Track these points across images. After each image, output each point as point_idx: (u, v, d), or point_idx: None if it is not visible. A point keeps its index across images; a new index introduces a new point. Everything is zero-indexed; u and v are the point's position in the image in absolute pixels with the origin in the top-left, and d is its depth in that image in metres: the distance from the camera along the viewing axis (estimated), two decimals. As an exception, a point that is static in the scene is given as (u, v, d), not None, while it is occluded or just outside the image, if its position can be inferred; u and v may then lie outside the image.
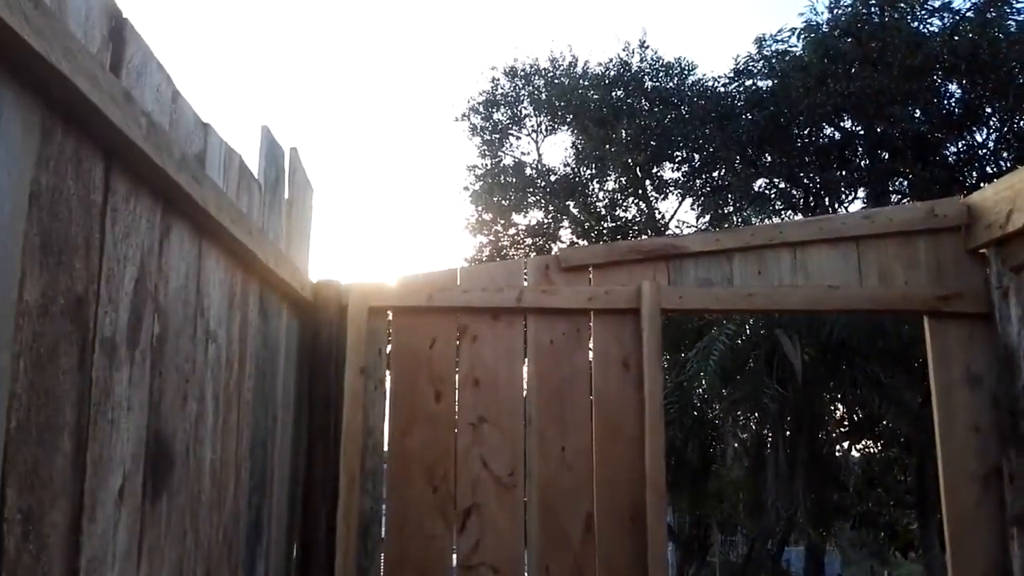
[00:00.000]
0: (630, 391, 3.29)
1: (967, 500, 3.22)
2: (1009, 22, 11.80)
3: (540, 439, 3.27)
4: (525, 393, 3.33)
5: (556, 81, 15.98)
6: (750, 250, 3.49)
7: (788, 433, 10.25)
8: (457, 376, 3.30)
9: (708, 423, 11.16)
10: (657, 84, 15.21)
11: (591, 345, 3.40)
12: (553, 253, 4.63)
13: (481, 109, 16.53)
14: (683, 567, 14.63)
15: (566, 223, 16.40)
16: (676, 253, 3.54)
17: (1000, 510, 3.15)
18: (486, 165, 16.58)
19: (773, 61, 13.61)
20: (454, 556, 3.18)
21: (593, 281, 3.46)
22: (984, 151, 12.01)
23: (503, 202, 16.00)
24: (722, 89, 14.32)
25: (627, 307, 3.37)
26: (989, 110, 11.92)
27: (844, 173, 13.08)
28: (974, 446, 3.25)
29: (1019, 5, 11.63)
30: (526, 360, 3.37)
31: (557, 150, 23.98)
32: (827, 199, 13.21)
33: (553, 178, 16.08)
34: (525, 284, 3.42)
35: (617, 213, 16.01)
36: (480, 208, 16.19)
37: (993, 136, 12.06)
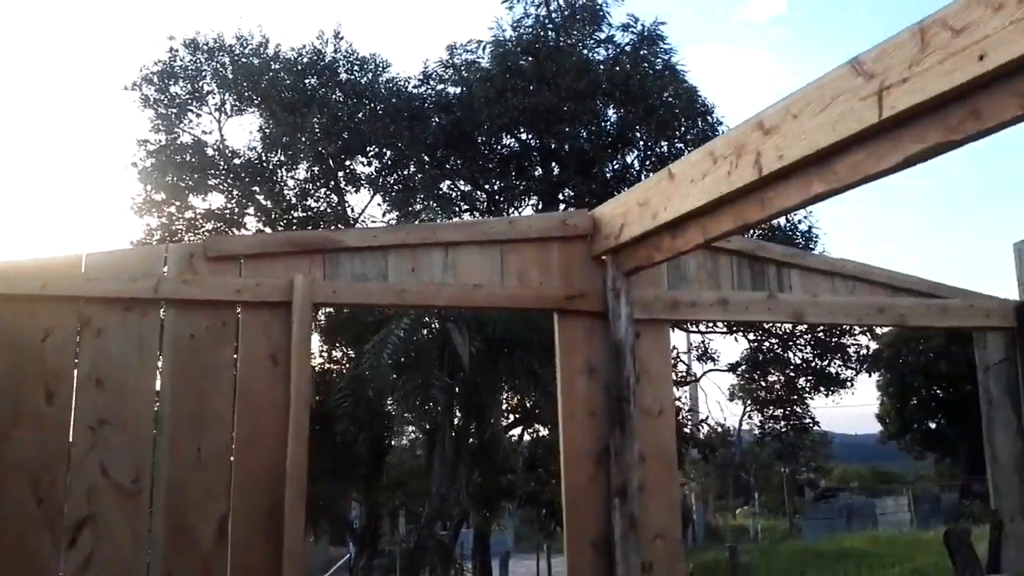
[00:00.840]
0: (277, 387, 3.25)
1: (582, 475, 3.64)
2: (658, 60, 13.56)
3: (172, 441, 3.09)
4: (159, 391, 3.13)
5: (243, 60, 15.18)
6: (406, 248, 3.62)
7: (458, 422, 10.85)
8: (76, 373, 3.00)
9: (383, 415, 11.37)
10: (352, 77, 15.12)
11: (239, 340, 3.29)
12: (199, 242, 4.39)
13: (156, 80, 15.13)
14: (356, 560, 14.76)
15: (252, 210, 15.66)
16: (333, 247, 3.56)
17: (608, 485, 3.61)
18: (160, 141, 15.23)
19: (462, 69, 14.24)
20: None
21: (244, 273, 3.35)
22: (632, 171, 13.69)
23: (179, 182, 14.83)
24: (413, 90, 14.66)
25: (279, 300, 3.32)
26: (638, 135, 13.59)
27: (520, 181, 14.09)
28: (590, 428, 3.69)
29: (667, 46, 13.39)
30: (160, 356, 3.16)
31: (243, 132, 22.76)
32: (505, 204, 14.12)
33: (238, 161, 15.26)
34: (165, 273, 3.21)
35: (308, 203, 15.64)
36: (150, 187, 14.83)
37: (639, 157, 13.78)
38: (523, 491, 14.21)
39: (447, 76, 14.54)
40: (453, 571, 11.93)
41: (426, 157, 13.88)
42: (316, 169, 15.56)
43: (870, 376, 23.13)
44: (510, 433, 14.73)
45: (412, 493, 15.22)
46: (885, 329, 18.08)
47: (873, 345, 18.45)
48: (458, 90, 14.22)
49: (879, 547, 16.71)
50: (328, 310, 12.42)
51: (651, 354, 3.83)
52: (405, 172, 14.86)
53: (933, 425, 31.13)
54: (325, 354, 14.17)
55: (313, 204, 15.77)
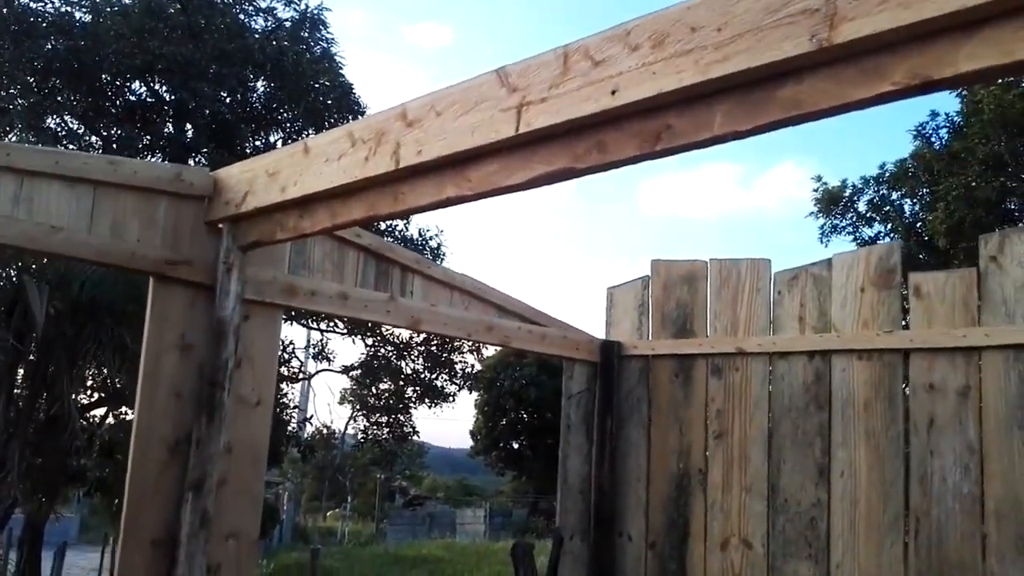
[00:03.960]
0: None
1: (153, 463, 3.20)
2: (317, 46, 13.23)
3: None
4: None
5: None
6: (-36, 167, 2.88)
7: (22, 392, 9.22)
8: None
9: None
10: (-54, -35, 12.36)
11: None
12: None
13: None
14: None
15: None
16: None
17: (183, 477, 3.22)
18: None
19: (94, -5, 12.45)
20: None
21: None
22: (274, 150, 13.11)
23: None
24: (29, 2, 12.43)
25: None
26: (285, 115, 13.07)
27: (145, 134, 12.66)
28: (173, 411, 3.26)
29: (329, 34, 13.11)
30: None
31: None
32: (124, 156, 12.58)
33: None
34: None
35: None
36: None
37: (284, 140, 13.27)
38: (94, 477, 12.64)
39: (75, -1, 12.62)
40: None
41: (32, 81, 11.81)
42: None
43: (471, 393, 24.95)
44: (92, 413, 13.05)
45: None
46: (491, 351, 19.62)
47: (478, 365, 19.92)
48: (88, 17, 12.39)
49: (454, 554, 17.91)
50: None
51: (258, 339, 3.53)
52: (2, 93, 12.50)
53: (516, 445, 34.51)
54: None
55: None
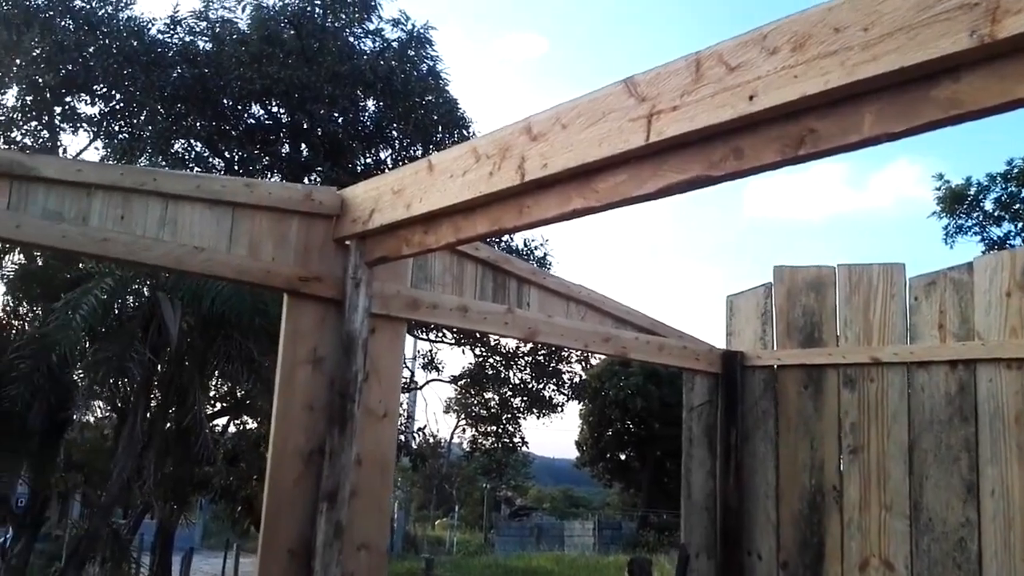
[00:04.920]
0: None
1: (289, 474, 3.31)
2: (423, 63, 13.54)
3: None
4: None
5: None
6: (117, 191, 3.08)
7: (154, 403, 9.78)
8: None
9: (66, 384, 9.96)
10: (86, 5, 13.33)
11: None
12: None
13: None
14: (13, 543, 12.81)
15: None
16: (24, 174, 2.93)
17: (317, 487, 3.31)
18: None
19: (216, 25, 13.14)
20: None
21: None
22: (385, 167, 13.49)
23: None
24: (157, 34, 13.25)
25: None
26: (395, 132, 13.43)
27: (264, 155, 13.27)
28: (306, 423, 3.37)
29: (434, 52, 13.42)
30: None
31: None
32: (244, 176, 13.22)
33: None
34: None
35: (12, 135, 13.45)
36: None
37: (393, 156, 13.63)
38: (219, 484, 13.26)
39: (198, 28, 13.35)
40: (126, 564, 10.72)
41: (161, 109, 12.56)
42: (29, 99, 13.48)
43: (579, 403, 24.81)
44: (215, 422, 13.71)
45: (93, 476, 13.56)
46: (595, 360, 19.49)
47: (583, 375, 19.83)
48: (209, 46, 13.09)
49: (563, 567, 17.82)
50: (20, 259, 10.77)
51: (384, 352, 3.61)
52: (135, 120, 13.34)
53: (623, 456, 34.10)
54: (10, 309, 12.22)
55: (19, 137, 13.63)
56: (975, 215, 18.77)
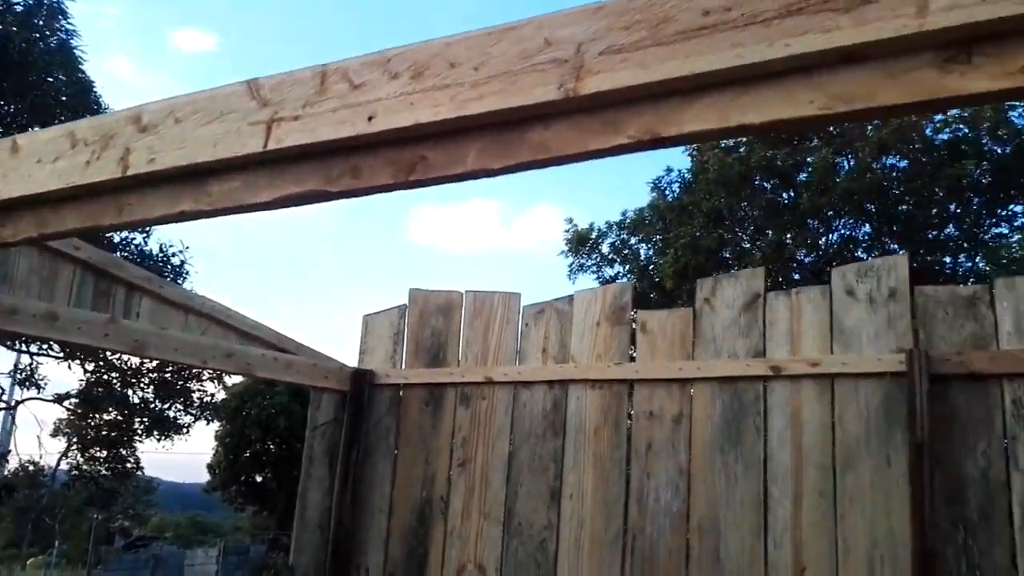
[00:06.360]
0: None
1: None
2: (54, 37, 11.87)
3: None
4: None
5: None
6: None
7: None
8: None
9: None
10: None
11: None
12: None
13: None
14: None
15: None
16: None
17: None
18: None
19: None
20: None
21: None
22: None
23: None
24: None
25: None
26: (8, 108, 11.57)
27: None
28: None
29: (69, 25, 11.76)
30: None
31: None
32: None
33: None
34: None
35: None
36: None
37: (4, 135, 11.71)
38: None
39: None
40: None
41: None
42: None
43: (208, 424, 23.32)
44: None
45: None
46: (237, 379, 18.50)
47: (221, 394, 18.68)
48: None
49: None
50: None
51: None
52: None
53: (260, 478, 32.71)
54: None
55: None
56: (594, 256, 21.38)
